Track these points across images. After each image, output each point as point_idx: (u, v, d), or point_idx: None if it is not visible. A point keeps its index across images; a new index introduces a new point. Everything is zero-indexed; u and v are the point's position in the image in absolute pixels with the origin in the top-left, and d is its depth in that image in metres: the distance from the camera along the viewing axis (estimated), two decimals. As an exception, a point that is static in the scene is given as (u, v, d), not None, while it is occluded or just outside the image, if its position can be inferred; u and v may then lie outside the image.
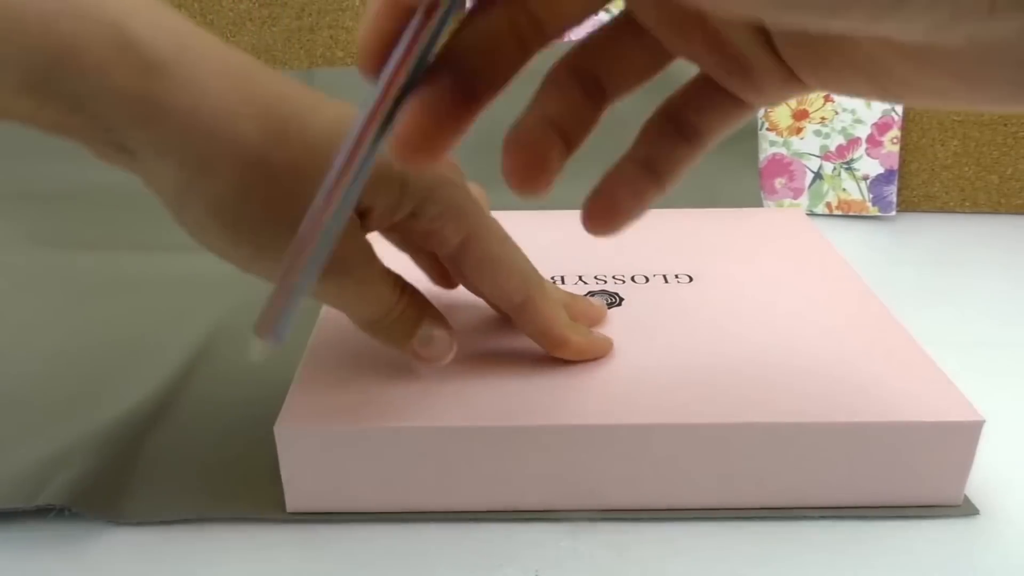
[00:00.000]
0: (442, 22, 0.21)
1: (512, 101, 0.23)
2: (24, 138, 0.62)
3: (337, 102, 0.29)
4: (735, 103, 0.24)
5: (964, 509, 0.33)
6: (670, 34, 0.23)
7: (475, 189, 0.33)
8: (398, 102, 0.21)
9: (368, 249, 0.30)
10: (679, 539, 0.32)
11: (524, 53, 0.22)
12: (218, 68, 0.27)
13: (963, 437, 0.32)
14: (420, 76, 0.21)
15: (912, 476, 0.32)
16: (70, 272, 0.51)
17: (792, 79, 0.23)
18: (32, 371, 0.41)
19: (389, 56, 0.21)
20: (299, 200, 0.26)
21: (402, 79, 0.21)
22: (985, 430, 0.31)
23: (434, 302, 0.33)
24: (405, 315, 0.31)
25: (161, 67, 0.26)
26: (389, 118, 0.21)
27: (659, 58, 0.24)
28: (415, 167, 0.23)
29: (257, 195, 0.27)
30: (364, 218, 0.30)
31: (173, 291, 0.49)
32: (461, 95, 0.21)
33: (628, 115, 0.61)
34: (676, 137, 0.25)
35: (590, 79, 0.24)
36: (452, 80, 0.21)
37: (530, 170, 0.23)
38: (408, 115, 0.21)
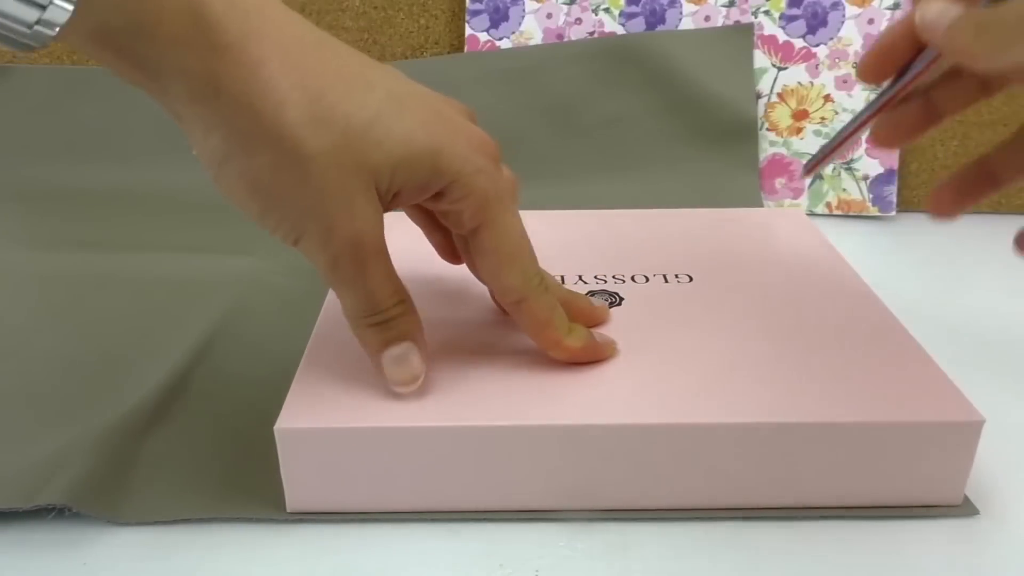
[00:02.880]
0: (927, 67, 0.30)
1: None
2: (24, 138, 0.62)
3: (390, 78, 0.30)
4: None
5: (964, 509, 0.33)
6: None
7: (507, 174, 0.33)
8: (881, 107, 0.32)
9: (382, 249, 0.31)
10: (679, 539, 0.32)
11: (968, 101, 0.33)
12: (278, 51, 0.28)
13: (963, 437, 0.32)
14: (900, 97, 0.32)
15: (912, 476, 0.32)
16: (70, 272, 0.51)
17: None
18: (32, 371, 0.41)
19: (885, 73, 0.31)
20: (329, 181, 0.28)
21: (897, 96, 0.32)
22: (985, 430, 0.31)
23: (441, 293, 0.33)
24: (387, 325, 0.32)
25: (225, 49, 0.27)
26: (868, 118, 0.33)
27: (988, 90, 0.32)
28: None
29: (289, 176, 0.28)
30: (393, 198, 0.30)
31: (173, 291, 0.49)
32: (925, 116, 0.33)
33: (627, 128, 0.59)
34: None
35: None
36: (922, 105, 0.33)
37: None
38: (891, 121, 0.33)
